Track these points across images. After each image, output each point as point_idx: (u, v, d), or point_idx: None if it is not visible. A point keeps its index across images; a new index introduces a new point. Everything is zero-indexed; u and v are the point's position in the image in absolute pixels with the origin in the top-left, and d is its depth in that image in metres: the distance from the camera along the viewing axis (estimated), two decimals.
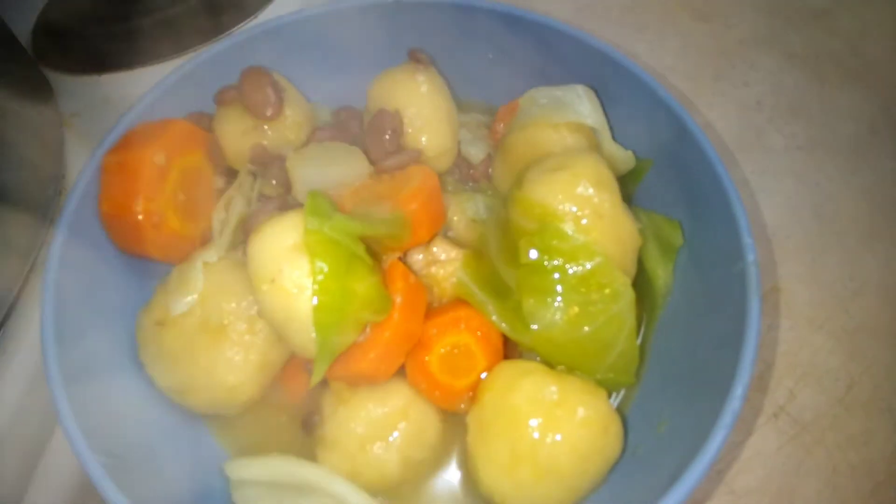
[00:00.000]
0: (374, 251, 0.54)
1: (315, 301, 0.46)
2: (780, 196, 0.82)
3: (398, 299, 0.52)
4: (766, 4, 1.01)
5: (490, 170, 0.69)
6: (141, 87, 0.64)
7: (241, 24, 0.90)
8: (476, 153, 0.69)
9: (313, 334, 0.47)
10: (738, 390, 0.44)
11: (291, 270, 0.47)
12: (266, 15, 0.90)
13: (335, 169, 0.58)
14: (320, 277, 0.46)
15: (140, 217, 0.55)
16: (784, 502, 0.64)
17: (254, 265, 0.48)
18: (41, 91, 0.85)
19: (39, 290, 0.69)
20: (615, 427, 0.50)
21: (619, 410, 0.53)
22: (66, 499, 0.62)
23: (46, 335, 0.49)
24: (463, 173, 0.70)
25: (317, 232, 0.47)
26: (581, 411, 0.48)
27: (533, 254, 0.53)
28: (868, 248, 0.79)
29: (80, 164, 0.82)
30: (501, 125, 0.71)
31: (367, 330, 0.52)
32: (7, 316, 0.68)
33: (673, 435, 0.50)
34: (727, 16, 0.99)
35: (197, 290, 0.52)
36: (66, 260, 0.53)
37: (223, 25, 0.90)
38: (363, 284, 0.49)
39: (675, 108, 0.57)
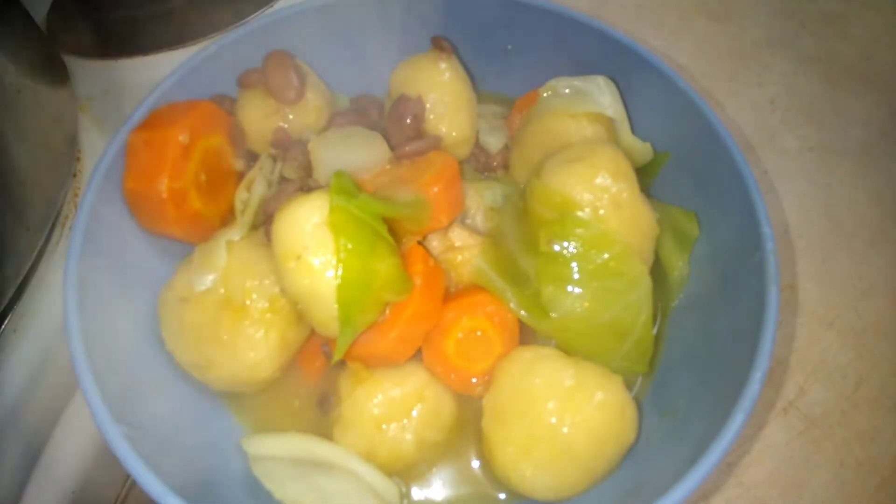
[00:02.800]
0: (394, 234, 0.54)
1: (339, 278, 0.47)
2: (792, 196, 0.83)
3: (418, 281, 0.53)
4: (780, 7, 1.02)
5: (507, 159, 0.70)
6: (157, 73, 0.64)
7: (257, 12, 0.91)
8: (494, 143, 0.70)
9: (336, 312, 0.48)
10: (757, 375, 0.45)
11: (317, 247, 0.47)
12: (281, 4, 0.90)
13: (357, 153, 0.58)
14: (344, 255, 0.47)
15: (164, 195, 0.55)
16: (792, 495, 0.65)
17: (279, 242, 0.48)
18: (57, 73, 0.85)
19: (55, 269, 0.70)
20: (631, 412, 0.51)
21: (635, 399, 0.53)
22: (77, 475, 0.62)
23: (70, 306, 0.50)
24: (480, 162, 0.70)
25: (342, 209, 0.48)
26: (599, 395, 0.49)
27: (554, 243, 0.53)
28: (877, 250, 0.80)
29: (95, 147, 0.83)
30: (518, 116, 0.71)
31: (387, 311, 0.52)
32: (21, 293, 0.69)
33: (688, 422, 0.51)
34: (742, 17, 1.00)
35: (220, 267, 0.52)
36: (89, 235, 0.53)
37: (239, 14, 0.91)
38: (385, 264, 0.50)
39: (694, 98, 0.58)
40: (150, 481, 0.43)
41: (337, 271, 0.47)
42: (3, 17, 0.79)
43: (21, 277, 0.67)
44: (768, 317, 0.47)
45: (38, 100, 0.79)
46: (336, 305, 0.48)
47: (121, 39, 0.90)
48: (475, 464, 0.56)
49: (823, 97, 0.92)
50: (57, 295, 0.70)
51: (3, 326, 0.67)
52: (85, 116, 0.85)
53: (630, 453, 0.52)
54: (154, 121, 0.58)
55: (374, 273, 0.49)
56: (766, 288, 0.48)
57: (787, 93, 0.93)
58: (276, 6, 0.89)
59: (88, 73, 0.87)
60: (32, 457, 0.62)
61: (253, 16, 0.88)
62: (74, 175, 0.80)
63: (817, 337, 0.74)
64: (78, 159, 0.82)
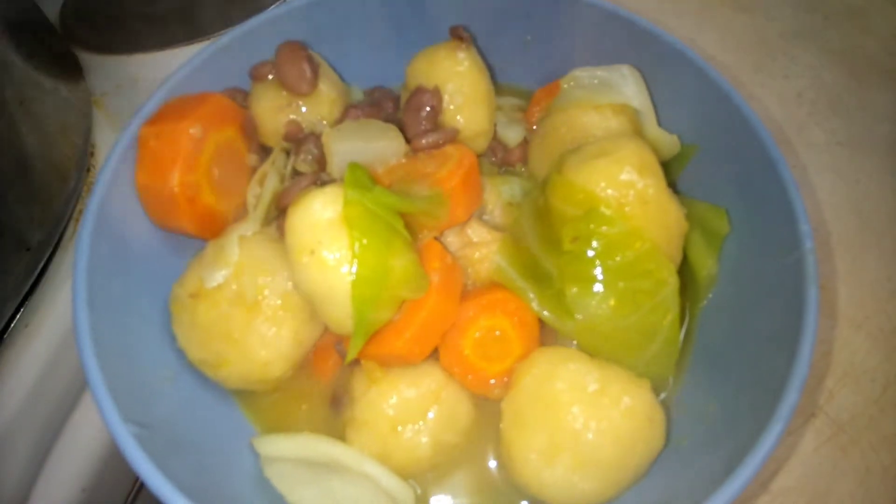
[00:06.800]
0: (410, 230, 0.53)
1: (353, 274, 0.45)
2: (820, 192, 0.80)
3: (434, 278, 0.51)
4: None
5: (526, 154, 0.68)
6: (171, 68, 0.63)
7: (272, 6, 0.89)
8: (513, 136, 0.68)
9: (350, 309, 0.46)
10: (796, 381, 0.42)
11: (331, 242, 0.45)
12: None
13: (372, 145, 0.56)
14: (359, 250, 0.45)
15: (176, 189, 0.54)
16: (819, 503, 0.62)
17: (293, 237, 0.47)
18: (71, 69, 0.85)
19: (69, 263, 0.70)
20: (659, 418, 0.49)
21: (663, 403, 0.51)
22: (87, 471, 0.61)
23: (78, 304, 0.48)
24: (498, 156, 0.68)
25: (356, 204, 0.46)
26: (626, 400, 0.47)
27: (577, 241, 0.51)
28: None
29: (109, 142, 0.82)
30: (537, 108, 0.69)
31: (403, 308, 0.51)
32: (33, 288, 0.68)
33: (721, 430, 0.48)
34: (767, 8, 0.98)
35: (232, 263, 0.51)
36: (99, 231, 0.52)
37: (254, 9, 0.89)
38: (401, 260, 0.48)
39: (725, 88, 0.55)
40: (158, 482, 0.41)
41: (351, 267, 0.45)
42: (14, 14, 0.78)
43: (35, 273, 0.67)
44: (807, 320, 0.44)
45: (50, 95, 0.79)
46: (350, 302, 0.46)
47: (134, 35, 0.90)
48: (493, 468, 0.55)
49: (849, 91, 0.90)
50: (70, 290, 0.70)
51: (14, 321, 0.67)
52: (99, 111, 0.85)
53: (658, 461, 0.50)
54: (165, 114, 0.57)
55: (390, 269, 0.47)
56: (804, 289, 0.46)
57: (813, 86, 0.90)
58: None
59: (102, 68, 0.87)
60: (42, 453, 0.61)
61: (268, 10, 0.87)
62: (88, 170, 0.80)
63: (846, 339, 0.71)
64: (92, 154, 0.82)
